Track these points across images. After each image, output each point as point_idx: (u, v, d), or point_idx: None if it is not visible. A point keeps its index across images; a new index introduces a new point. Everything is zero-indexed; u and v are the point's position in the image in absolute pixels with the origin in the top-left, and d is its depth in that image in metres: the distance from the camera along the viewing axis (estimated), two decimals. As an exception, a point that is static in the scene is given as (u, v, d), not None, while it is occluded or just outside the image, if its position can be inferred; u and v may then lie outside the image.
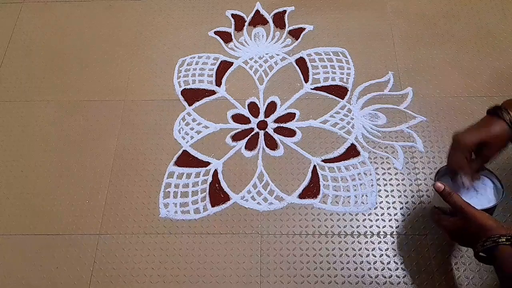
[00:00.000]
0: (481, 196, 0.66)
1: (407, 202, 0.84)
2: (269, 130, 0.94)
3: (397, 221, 0.82)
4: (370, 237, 0.81)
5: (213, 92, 1.00)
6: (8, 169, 0.93)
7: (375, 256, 0.79)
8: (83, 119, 0.98)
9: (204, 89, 1.01)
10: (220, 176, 0.89)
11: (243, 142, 0.93)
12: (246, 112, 0.97)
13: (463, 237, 0.62)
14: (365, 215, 0.83)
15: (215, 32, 1.09)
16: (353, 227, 0.82)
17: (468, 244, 0.63)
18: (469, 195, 0.66)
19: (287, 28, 1.08)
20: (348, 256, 0.79)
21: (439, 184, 0.63)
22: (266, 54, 1.05)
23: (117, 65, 1.05)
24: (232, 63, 1.04)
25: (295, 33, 1.07)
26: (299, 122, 0.95)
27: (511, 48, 1.00)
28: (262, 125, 0.95)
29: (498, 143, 0.63)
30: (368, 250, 0.80)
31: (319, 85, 0.99)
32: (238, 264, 0.80)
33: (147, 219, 0.85)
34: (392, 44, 1.03)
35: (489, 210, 0.62)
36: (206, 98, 0.99)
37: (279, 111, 0.96)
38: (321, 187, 0.86)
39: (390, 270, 0.78)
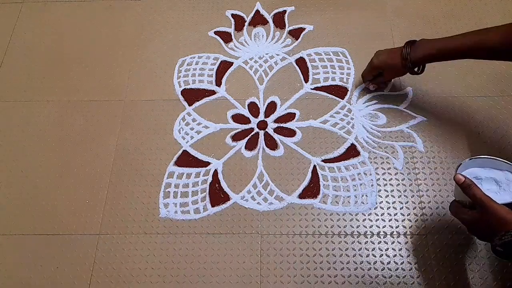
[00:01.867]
0: (503, 191, 0.64)
1: (407, 202, 0.84)
2: (269, 130, 0.94)
3: (397, 221, 0.82)
4: (370, 237, 0.81)
5: (213, 92, 1.00)
6: (8, 169, 0.93)
7: (375, 256, 0.79)
8: (83, 119, 0.98)
9: (204, 89, 1.01)
10: (220, 176, 0.89)
11: (243, 142, 0.93)
12: (246, 112, 0.97)
13: (481, 231, 0.62)
14: (365, 215, 0.83)
15: (215, 32, 1.09)
16: (353, 227, 0.82)
17: (486, 238, 0.62)
18: (491, 189, 0.65)
19: (287, 28, 1.08)
20: (348, 256, 0.79)
21: (459, 176, 0.62)
22: (266, 54, 1.05)
23: (117, 65, 1.05)
24: (232, 63, 1.04)
25: (295, 33, 1.07)
26: (299, 122, 0.95)
27: (511, 48, 1.00)
28: (262, 125, 0.95)
29: (392, 72, 0.88)
30: (368, 250, 0.80)
31: (319, 85, 0.99)
32: (238, 264, 0.80)
33: (147, 219, 0.85)
34: (392, 44, 1.03)
35: (511, 205, 0.61)
36: (206, 98, 0.99)
37: (279, 111, 0.96)
38: (321, 187, 0.86)
39: (390, 270, 0.78)
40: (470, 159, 0.67)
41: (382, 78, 0.91)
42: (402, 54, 0.82)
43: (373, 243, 0.80)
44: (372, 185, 0.86)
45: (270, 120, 0.95)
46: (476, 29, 0.74)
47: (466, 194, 0.62)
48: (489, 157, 0.67)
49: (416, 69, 0.84)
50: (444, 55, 0.78)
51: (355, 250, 0.80)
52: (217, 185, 0.88)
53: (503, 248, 0.57)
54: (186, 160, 0.91)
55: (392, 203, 0.84)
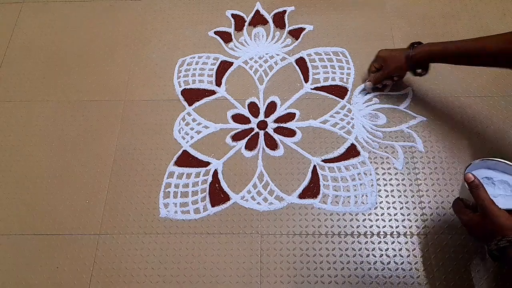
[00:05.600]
0: (508, 197, 0.64)
1: (407, 202, 0.84)
2: (269, 130, 0.94)
3: (397, 221, 0.82)
4: (370, 237, 0.81)
5: (213, 92, 1.00)
6: (8, 169, 0.93)
7: (375, 256, 0.79)
8: (83, 119, 0.98)
9: (204, 89, 1.01)
10: (220, 176, 0.89)
11: (243, 142, 0.93)
12: (246, 112, 0.97)
13: (479, 233, 0.62)
14: (365, 215, 0.83)
15: (215, 32, 1.09)
16: (353, 227, 0.82)
17: (484, 241, 0.63)
18: (496, 193, 0.65)
19: (287, 28, 1.08)
20: (348, 256, 0.79)
21: (470, 175, 0.63)
22: (266, 54, 1.05)
23: (117, 65, 1.05)
24: (232, 63, 1.04)
25: (295, 33, 1.07)
26: (299, 122, 0.95)
27: (511, 48, 1.00)
28: (262, 125, 0.95)
29: (394, 65, 0.88)
30: (368, 250, 0.80)
31: (319, 85, 0.99)
32: (238, 264, 0.80)
33: (147, 219, 0.85)
34: (392, 44, 1.03)
35: None
36: (206, 98, 0.99)
37: (279, 111, 0.96)
38: (321, 187, 0.86)
39: (390, 270, 0.78)
40: (482, 159, 0.67)
41: (382, 72, 0.91)
42: (405, 52, 0.85)
43: (373, 243, 0.80)
44: (372, 185, 0.86)
45: (270, 120, 0.95)
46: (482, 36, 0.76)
47: (472, 194, 0.62)
48: (500, 160, 0.67)
49: (419, 71, 0.86)
50: (444, 57, 0.81)
51: (355, 250, 0.80)
52: (217, 185, 0.88)
53: (499, 253, 0.58)
54: (186, 160, 0.91)
55: (392, 203, 0.84)
